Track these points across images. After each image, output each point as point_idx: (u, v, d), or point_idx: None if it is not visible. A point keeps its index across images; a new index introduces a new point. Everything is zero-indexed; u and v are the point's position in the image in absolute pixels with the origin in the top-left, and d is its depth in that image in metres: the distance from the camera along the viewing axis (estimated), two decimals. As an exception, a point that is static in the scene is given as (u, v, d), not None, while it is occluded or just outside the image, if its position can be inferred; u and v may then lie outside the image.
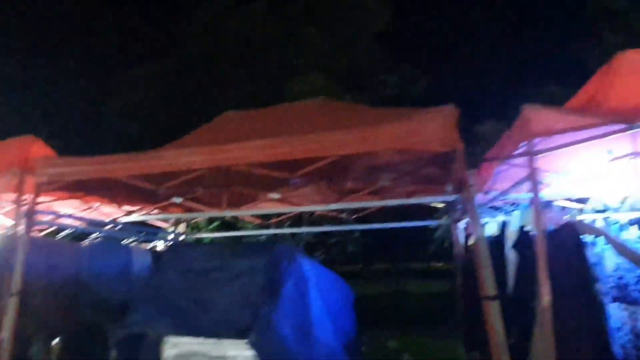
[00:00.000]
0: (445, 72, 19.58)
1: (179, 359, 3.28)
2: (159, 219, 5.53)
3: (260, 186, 4.67)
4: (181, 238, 6.23)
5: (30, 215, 4.01)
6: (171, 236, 6.25)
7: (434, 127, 3.12)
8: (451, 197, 4.45)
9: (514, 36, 20.60)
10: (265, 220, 5.91)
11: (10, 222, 4.83)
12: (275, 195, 4.87)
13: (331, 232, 8.01)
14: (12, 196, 4.29)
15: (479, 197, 4.29)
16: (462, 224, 5.27)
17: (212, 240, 6.83)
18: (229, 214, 5.18)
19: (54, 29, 12.49)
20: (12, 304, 3.79)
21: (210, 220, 7.40)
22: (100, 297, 4.84)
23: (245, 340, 2.99)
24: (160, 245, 6.07)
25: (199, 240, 6.72)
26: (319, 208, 4.82)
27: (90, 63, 13.17)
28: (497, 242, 4.35)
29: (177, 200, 5.19)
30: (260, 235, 6.71)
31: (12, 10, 12.16)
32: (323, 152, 3.22)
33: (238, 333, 3.14)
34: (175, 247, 4.62)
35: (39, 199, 4.32)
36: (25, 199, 4.17)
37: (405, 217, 6.47)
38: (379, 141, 3.15)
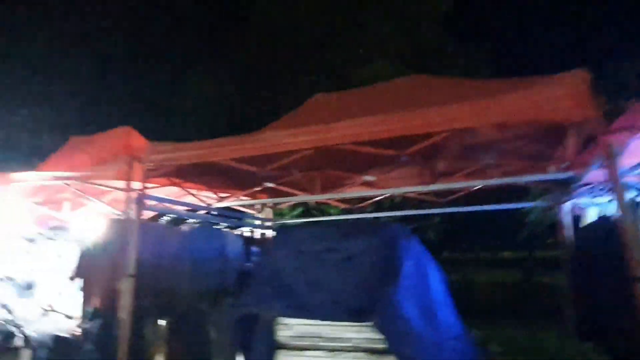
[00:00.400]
0: (511, 52, 18.69)
1: (294, 340, 3.26)
2: (251, 204, 5.57)
3: (356, 168, 4.58)
4: (267, 224, 6.29)
5: (141, 201, 4.15)
6: (257, 222, 6.33)
7: (565, 94, 2.85)
8: (563, 175, 4.15)
9: (579, 15, 19.22)
10: (352, 204, 5.84)
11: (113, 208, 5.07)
12: (369, 178, 4.77)
13: (412, 218, 7.77)
14: (120, 183, 4.48)
15: (596, 174, 3.94)
16: (568, 205, 4.90)
17: (296, 226, 6.86)
18: (322, 197, 5.12)
19: (130, 26, 13.02)
20: (128, 286, 3.94)
21: (294, 206, 7.44)
22: (200, 280, 4.97)
23: (368, 323, 2.91)
24: (246, 231, 6.16)
25: (283, 226, 6.75)
26: (417, 189, 4.64)
27: (163, 58, 13.63)
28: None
29: (269, 185, 5.24)
30: (345, 221, 6.63)
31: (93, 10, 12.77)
32: (441, 126, 3.05)
33: (353, 315, 3.06)
34: (286, 229, 4.62)
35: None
36: (133, 186, 4.34)
37: (494, 201, 6.13)
38: (504, 112, 2.93)
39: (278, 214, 6.53)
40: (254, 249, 6.09)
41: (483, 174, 4.88)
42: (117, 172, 4.37)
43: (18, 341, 4.24)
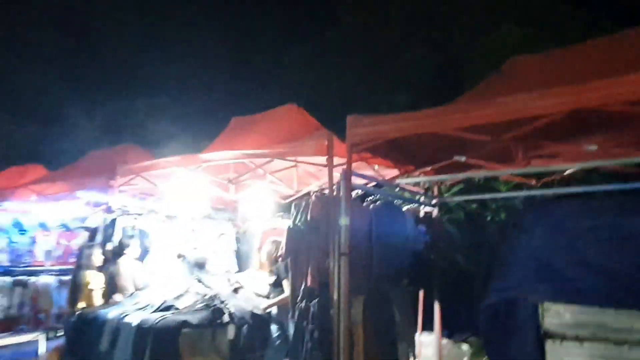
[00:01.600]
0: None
1: (564, 329, 2.87)
2: (440, 180, 5.24)
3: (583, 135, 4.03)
4: (434, 201, 5.94)
5: (348, 177, 3.96)
6: (422, 198, 6.00)
7: None
8: None
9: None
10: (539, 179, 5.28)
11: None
12: (592, 147, 4.20)
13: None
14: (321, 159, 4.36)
15: None
16: None
17: (458, 204, 6.46)
18: (530, 170, 4.64)
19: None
20: (343, 264, 3.80)
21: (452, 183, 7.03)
22: (390, 259, 4.76)
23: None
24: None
25: (445, 205, 6.35)
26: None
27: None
28: None
29: (461, 159, 4.85)
30: (514, 198, 6.09)
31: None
32: None
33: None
34: (539, 204, 4.21)
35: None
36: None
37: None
38: None
39: (426, 189, 6.16)
40: (422, 227, 5.78)
41: None
42: (316, 148, 4.23)
43: (225, 317, 4.30)
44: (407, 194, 5.91)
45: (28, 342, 7.02)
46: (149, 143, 8.71)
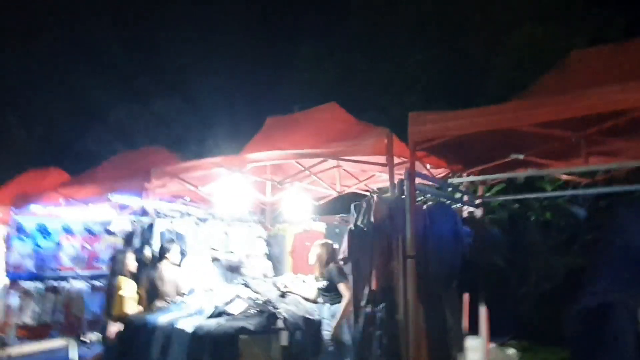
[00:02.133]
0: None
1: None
2: (496, 179, 5.10)
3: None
4: (477, 201, 5.79)
5: (412, 176, 3.82)
6: (465, 198, 5.86)
7: None
8: None
9: None
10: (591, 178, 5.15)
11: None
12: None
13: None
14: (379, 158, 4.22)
15: None
16: None
17: (501, 204, 6.33)
18: (591, 168, 4.49)
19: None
20: (409, 267, 3.66)
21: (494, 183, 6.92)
22: (441, 261, 4.62)
23: None
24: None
25: (486, 204, 6.21)
26: None
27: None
28: None
29: (519, 156, 4.72)
30: (557, 198, 5.95)
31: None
32: None
33: None
34: (634, 201, 4.04)
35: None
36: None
37: None
38: None
39: (473, 190, 6.03)
40: (467, 228, 5.64)
41: None
42: (374, 147, 4.10)
43: (279, 323, 4.15)
44: (456, 194, 5.78)
45: (59, 349, 6.90)
46: (175, 145, 8.56)
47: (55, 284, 6.79)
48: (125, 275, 5.09)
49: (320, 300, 4.93)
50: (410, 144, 3.86)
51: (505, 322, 5.84)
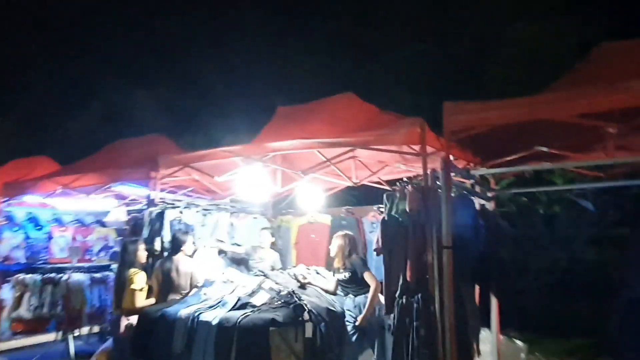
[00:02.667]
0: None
1: None
2: (519, 171, 5.10)
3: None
4: (490, 194, 5.81)
5: (448, 166, 3.78)
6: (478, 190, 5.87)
7: None
8: None
9: None
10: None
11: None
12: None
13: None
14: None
15: None
16: None
17: (510, 197, 6.36)
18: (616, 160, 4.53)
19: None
20: (446, 258, 3.63)
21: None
22: (462, 253, 4.61)
23: None
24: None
25: (496, 197, 6.25)
26: None
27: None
28: None
29: (543, 149, 4.74)
30: (568, 191, 6.03)
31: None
32: None
33: None
34: None
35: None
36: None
37: None
38: None
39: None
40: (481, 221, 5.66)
41: None
42: (407, 136, 4.04)
43: (306, 314, 4.06)
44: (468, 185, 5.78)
45: (56, 343, 6.64)
46: (176, 134, 8.32)
47: (53, 276, 6.50)
48: (136, 267, 4.91)
49: (339, 292, 4.87)
50: (445, 134, 3.81)
51: (510, 314, 5.91)
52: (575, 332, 6.79)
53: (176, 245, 5.07)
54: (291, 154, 5.95)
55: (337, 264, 4.79)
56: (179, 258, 4.96)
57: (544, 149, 4.59)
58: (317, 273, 5.18)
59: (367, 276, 4.55)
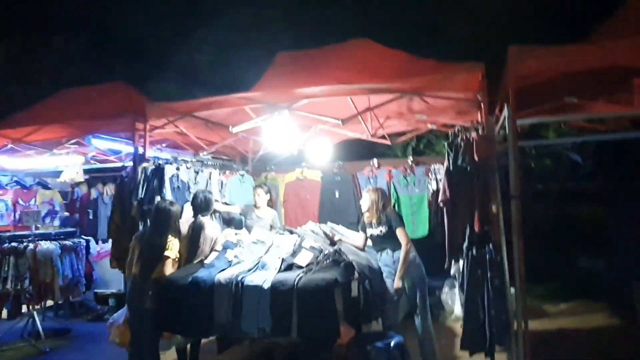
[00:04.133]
0: None
1: None
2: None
3: None
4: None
5: (514, 113, 3.64)
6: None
7: None
8: None
9: None
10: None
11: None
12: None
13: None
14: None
15: None
16: None
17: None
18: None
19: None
20: (514, 208, 3.54)
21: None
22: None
23: None
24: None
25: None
26: None
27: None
28: None
29: (572, 100, 4.77)
30: (560, 145, 6.24)
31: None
32: None
33: None
34: None
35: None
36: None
37: None
38: None
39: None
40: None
41: None
42: (467, 81, 3.82)
43: (355, 273, 3.82)
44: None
45: (18, 322, 5.75)
46: (136, 82, 7.34)
47: (16, 245, 5.50)
48: (173, 233, 4.19)
49: (370, 248, 4.67)
50: (510, 80, 3.66)
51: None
52: (549, 277, 7.30)
53: (199, 207, 4.47)
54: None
55: (370, 218, 4.55)
56: (204, 221, 4.39)
57: (574, 100, 4.62)
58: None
59: (400, 232, 4.36)
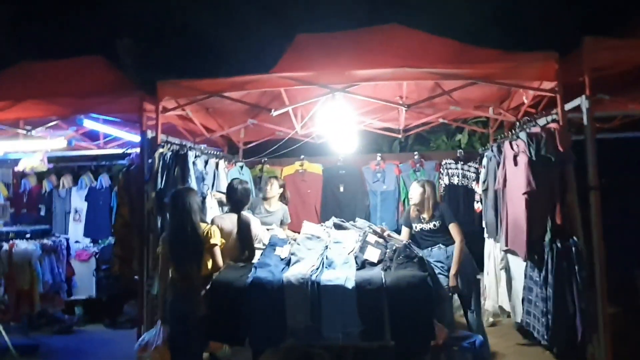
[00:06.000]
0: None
1: None
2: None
3: None
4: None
5: (592, 104, 3.61)
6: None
7: None
8: None
9: None
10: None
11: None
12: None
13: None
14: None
15: None
16: None
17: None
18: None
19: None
20: (593, 200, 3.52)
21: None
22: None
23: None
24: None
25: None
26: None
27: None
28: None
29: (604, 97, 4.89)
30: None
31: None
32: None
33: None
34: None
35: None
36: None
37: None
38: None
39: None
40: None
41: None
42: (540, 70, 3.72)
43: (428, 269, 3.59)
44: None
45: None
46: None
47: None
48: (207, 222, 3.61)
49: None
50: (585, 71, 3.64)
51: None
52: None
53: (240, 200, 3.94)
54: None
55: (420, 213, 4.33)
56: (250, 217, 3.87)
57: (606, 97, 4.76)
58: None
59: (453, 227, 4.20)
